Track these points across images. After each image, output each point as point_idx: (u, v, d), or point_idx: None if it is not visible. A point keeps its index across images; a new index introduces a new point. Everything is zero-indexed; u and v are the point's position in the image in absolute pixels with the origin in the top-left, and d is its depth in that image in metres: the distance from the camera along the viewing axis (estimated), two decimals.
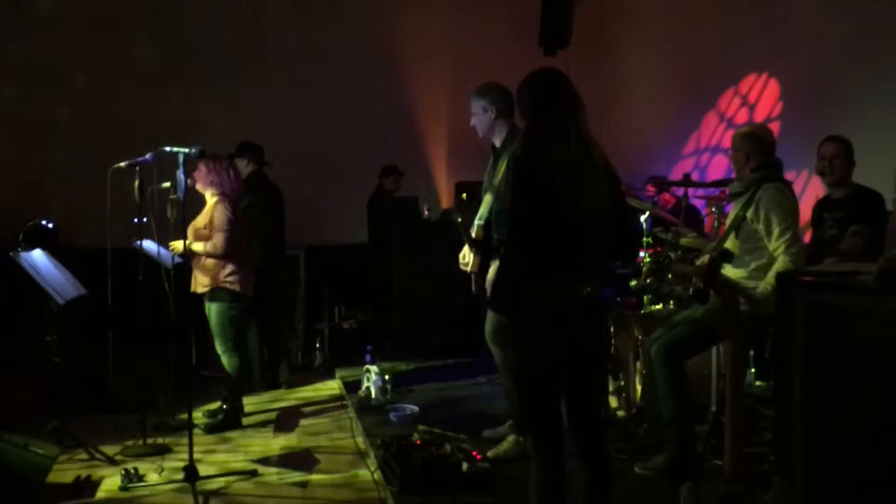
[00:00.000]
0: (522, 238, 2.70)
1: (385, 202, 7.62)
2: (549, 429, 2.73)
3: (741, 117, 6.82)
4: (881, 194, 4.30)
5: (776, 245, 3.64)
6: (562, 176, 2.63)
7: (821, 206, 4.42)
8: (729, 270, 3.78)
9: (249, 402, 5.37)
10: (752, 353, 4.58)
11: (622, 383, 4.77)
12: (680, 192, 6.15)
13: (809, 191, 5.30)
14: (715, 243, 4.07)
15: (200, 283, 4.89)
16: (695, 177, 7.11)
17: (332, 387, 6.16)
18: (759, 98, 6.61)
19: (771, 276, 3.59)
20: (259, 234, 5.88)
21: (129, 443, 4.58)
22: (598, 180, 2.66)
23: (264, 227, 5.91)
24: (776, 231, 3.64)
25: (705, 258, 3.86)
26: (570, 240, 2.65)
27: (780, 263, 3.60)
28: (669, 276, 4.71)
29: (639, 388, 4.55)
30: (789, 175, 5.38)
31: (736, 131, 4.05)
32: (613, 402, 4.80)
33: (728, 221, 3.93)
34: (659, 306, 5.07)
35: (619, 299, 5.69)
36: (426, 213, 7.60)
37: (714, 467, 3.63)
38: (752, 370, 4.79)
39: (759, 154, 3.86)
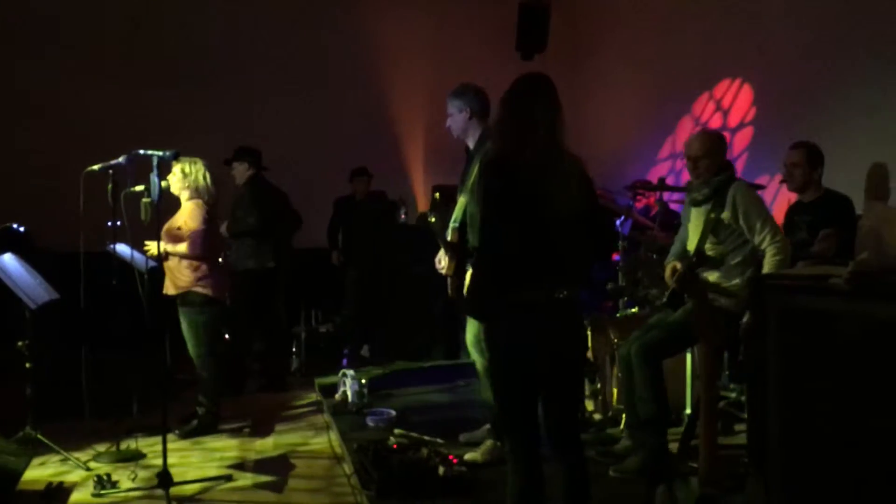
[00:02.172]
0: (494, 242, 2.71)
1: (356, 205, 7.59)
2: (525, 432, 2.73)
3: (715, 122, 6.89)
4: (850, 198, 4.37)
5: (761, 238, 3.69)
6: (531, 178, 2.64)
7: (792, 211, 4.48)
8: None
9: (225, 407, 5.33)
10: (726, 355, 4.62)
11: (598, 386, 4.80)
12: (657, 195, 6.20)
13: (782, 195, 5.35)
14: (674, 246, 4.11)
15: (172, 285, 4.86)
16: (670, 181, 7.16)
17: (308, 391, 6.13)
18: (733, 103, 6.68)
19: (768, 260, 3.66)
20: (257, 237, 5.90)
21: (103, 448, 4.54)
22: (568, 182, 2.66)
23: (262, 229, 5.95)
24: (758, 225, 3.70)
25: (675, 264, 3.89)
26: (542, 242, 2.66)
27: (769, 254, 3.66)
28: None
29: (615, 391, 4.57)
30: (762, 179, 5.46)
31: (698, 137, 4.05)
32: (590, 405, 4.83)
33: (696, 226, 3.93)
34: (635, 310, 5.10)
35: (595, 303, 5.73)
36: (403, 216, 7.59)
37: (689, 469, 3.65)
38: (727, 372, 4.83)
39: (720, 156, 3.91)
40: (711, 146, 3.91)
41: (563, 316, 2.70)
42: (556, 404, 2.78)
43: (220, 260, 6.25)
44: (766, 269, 3.65)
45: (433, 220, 4.07)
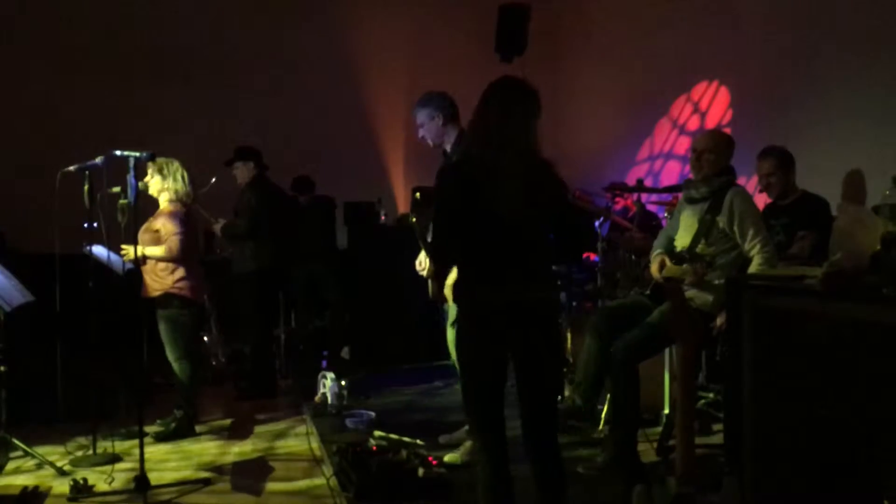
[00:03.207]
0: (441, 243, 2.76)
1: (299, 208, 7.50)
2: (491, 431, 2.76)
3: (693, 124, 6.94)
4: (826, 200, 4.42)
5: (751, 245, 3.71)
6: (477, 180, 2.67)
7: (768, 213, 4.52)
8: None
9: (203, 409, 5.31)
10: (703, 355, 4.65)
11: (577, 386, 4.81)
12: (635, 197, 6.24)
13: (758, 197, 5.41)
14: (659, 239, 4.12)
15: (151, 288, 4.83)
16: (648, 182, 7.21)
17: (287, 393, 6.10)
18: (710, 105, 6.74)
19: (753, 268, 3.68)
20: (262, 236, 5.87)
21: (79, 452, 4.49)
22: (515, 184, 2.66)
23: (250, 234, 5.90)
24: (751, 233, 3.71)
25: (664, 258, 3.90)
26: (495, 244, 2.68)
27: (756, 262, 3.68)
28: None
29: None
30: (739, 181, 5.50)
31: (707, 132, 4.04)
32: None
33: (689, 224, 3.95)
34: None
35: (575, 303, 5.74)
36: (383, 217, 7.58)
37: (666, 468, 3.68)
38: (704, 373, 4.86)
39: (726, 157, 3.92)
40: (719, 143, 3.92)
41: (528, 318, 2.70)
42: (528, 405, 2.80)
43: (223, 254, 6.23)
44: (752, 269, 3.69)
45: (414, 220, 4.07)
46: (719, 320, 3.67)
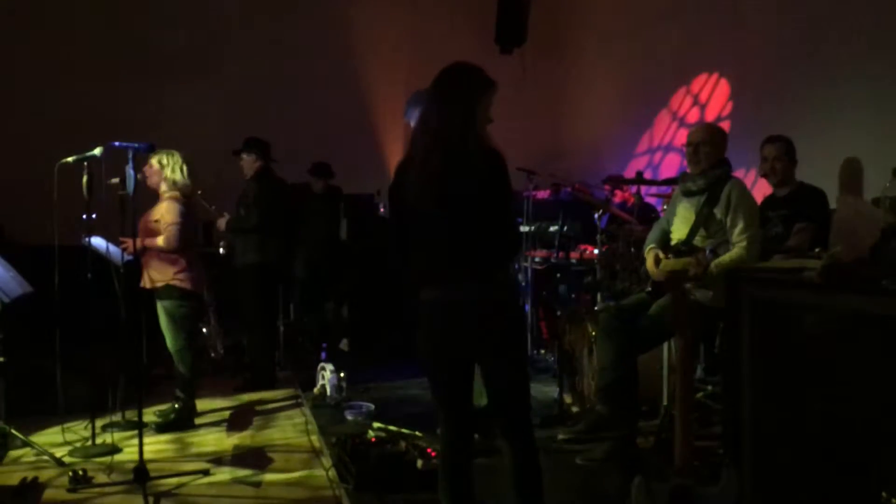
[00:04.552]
0: (391, 244, 2.79)
1: (312, 197, 7.48)
2: (446, 423, 2.82)
3: (693, 116, 6.93)
4: (824, 192, 4.42)
5: (738, 238, 3.72)
6: (408, 177, 2.68)
7: (766, 205, 4.51)
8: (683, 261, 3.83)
9: (203, 401, 5.31)
10: (702, 347, 4.66)
11: (576, 379, 4.82)
12: (634, 189, 6.24)
13: (757, 189, 5.41)
14: (653, 233, 4.11)
15: (150, 279, 4.83)
16: (648, 175, 7.20)
17: (287, 385, 6.10)
18: (710, 98, 6.73)
19: (726, 258, 3.67)
20: (265, 230, 5.84)
21: (78, 443, 4.50)
22: (438, 178, 2.59)
23: (262, 228, 5.86)
24: (741, 225, 3.72)
25: (658, 252, 3.89)
26: (427, 242, 2.67)
27: (735, 249, 3.68)
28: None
29: (592, 383, 4.59)
30: (738, 173, 5.50)
31: (702, 125, 4.05)
32: (567, 397, 4.85)
33: (686, 217, 3.94)
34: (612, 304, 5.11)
35: (573, 295, 5.75)
36: (382, 209, 7.58)
37: (665, 460, 3.68)
38: (703, 365, 4.87)
39: (721, 149, 3.92)
40: (715, 136, 3.94)
41: (461, 314, 2.64)
42: (489, 394, 2.80)
43: (222, 250, 6.21)
44: (725, 257, 3.68)
45: None
46: (691, 271, 3.54)
